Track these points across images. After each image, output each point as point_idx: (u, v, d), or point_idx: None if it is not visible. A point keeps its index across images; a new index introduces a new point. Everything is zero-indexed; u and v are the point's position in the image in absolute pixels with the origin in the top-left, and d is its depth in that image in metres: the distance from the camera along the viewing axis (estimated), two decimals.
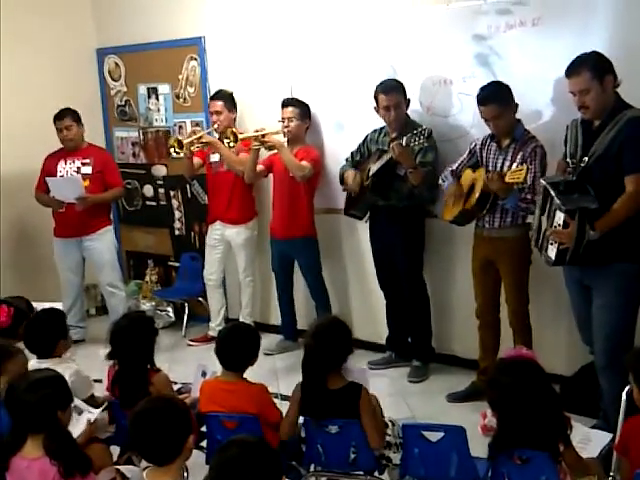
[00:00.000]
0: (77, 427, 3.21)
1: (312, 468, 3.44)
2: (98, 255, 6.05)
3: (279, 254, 5.68)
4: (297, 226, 5.50)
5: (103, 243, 6.04)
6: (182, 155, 5.60)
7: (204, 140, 5.59)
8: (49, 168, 5.91)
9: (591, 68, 3.67)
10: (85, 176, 5.83)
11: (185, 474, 2.87)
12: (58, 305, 4.11)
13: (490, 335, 4.72)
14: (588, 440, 3.15)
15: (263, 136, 5.34)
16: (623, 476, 2.93)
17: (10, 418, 2.88)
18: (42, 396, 2.81)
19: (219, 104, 5.67)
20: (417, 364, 5.23)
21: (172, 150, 5.58)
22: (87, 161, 5.88)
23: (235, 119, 5.77)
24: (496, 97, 4.29)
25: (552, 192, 3.71)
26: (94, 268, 6.16)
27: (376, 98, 4.89)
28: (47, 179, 5.81)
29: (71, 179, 5.80)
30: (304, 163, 5.32)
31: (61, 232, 6.00)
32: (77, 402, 3.15)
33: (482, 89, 4.35)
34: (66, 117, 5.79)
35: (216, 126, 5.67)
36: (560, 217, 3.65)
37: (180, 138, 5.62)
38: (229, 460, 2.21)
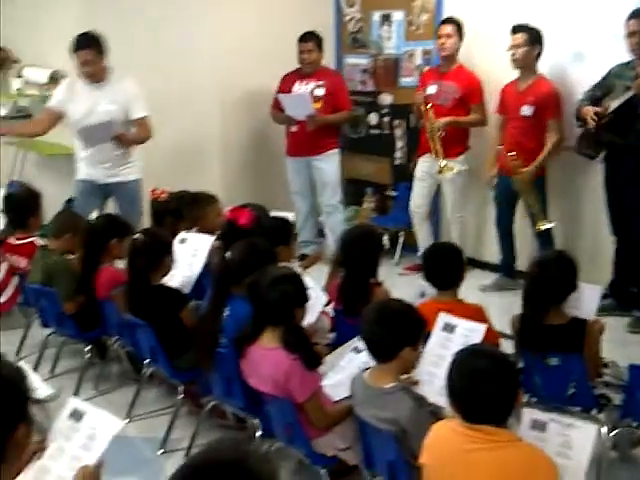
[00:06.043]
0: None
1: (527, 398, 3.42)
2: (324, 175, 6.25)
3: (504, 190, 5.53)
4: (525, 163, 5.32)
5: (330, 164, 6.23)
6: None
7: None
8: (285, 87, 6.14)
9: None
10: (318, 98, 6.01)
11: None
12: (290, 215, 4.32)
13: None
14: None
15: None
16: None
17: (252, 310, 3.08)
18: (283, 292, 2.99)
19: (449, 28, 5.61)
20: (639, 315, 5.00)
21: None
22: (321, 83, 6.06)
23: (458, 49, 5.68)
24: None
25: None
26: (318, 188, 6.38)
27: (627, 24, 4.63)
28: (279, 95, 6.06)
29: (300, 95, 5.99)
30: (553, 136, 5.20)
31: (292, 151, 6.27)
32: None
33: None
34: (310, 41, 5.99)
35: (445, 49, 5.61)
36: None
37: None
38: (480, 370, 2.25)
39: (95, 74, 5.17)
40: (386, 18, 6.52)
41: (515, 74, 5.37)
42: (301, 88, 6.08)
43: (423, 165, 5.92)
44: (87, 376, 4.38)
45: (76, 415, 2.38)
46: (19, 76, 6.66)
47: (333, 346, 3.63)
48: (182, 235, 4.39)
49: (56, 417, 2.43)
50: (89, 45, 5.08)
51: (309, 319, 3.40)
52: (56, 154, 6.43)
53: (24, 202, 5.02)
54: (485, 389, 2.22)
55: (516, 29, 5.24)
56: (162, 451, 3.75)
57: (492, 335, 3.47)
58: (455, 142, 5.72)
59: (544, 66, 5.31)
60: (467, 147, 5.82)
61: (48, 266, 4.36)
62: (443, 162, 5.59)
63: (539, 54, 5.27)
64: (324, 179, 6.27)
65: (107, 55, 5.18)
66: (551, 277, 3.26)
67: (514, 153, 5.20)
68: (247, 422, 3.51)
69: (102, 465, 2.26)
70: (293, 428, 3.00)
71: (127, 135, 5.24)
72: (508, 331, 3.58)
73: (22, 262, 4.78)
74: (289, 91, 6.10)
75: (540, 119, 5.24)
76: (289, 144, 6.29)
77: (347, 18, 6.86)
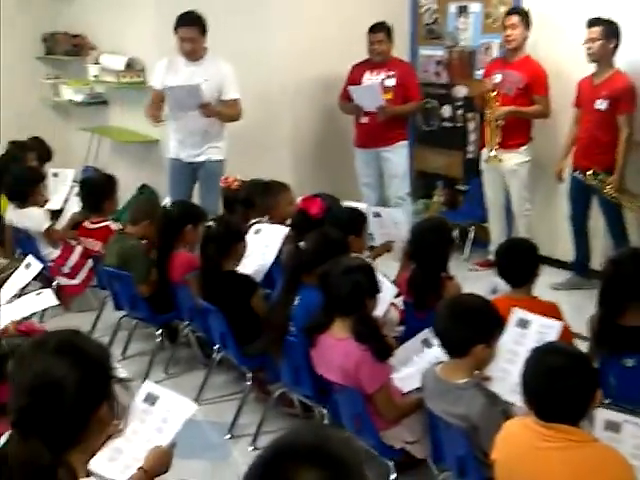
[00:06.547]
0: None
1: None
2: (392, 167, 6.22)
3: (579, 186, 5.41)
4: (598, 159, 5.20)
5: (398, 156, 6.20)
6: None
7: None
8: (354, 78, 6.14)
9: None
10: (388, 89, 5.99)
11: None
12: (362, 206, 4.31)
13: None
14: None
15: None
16: None
17: (323, 299, 3.09)
18: (354, 282, 2.98)
19: (515, 18, 5.51)
20: None
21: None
22: (391, 74, 6.03)
23: (525, 38, 5.55)
24: None
25: None
26: (386, 179, 6.33)
27: None
28: (350, 87, 6.05)
29: (370, 87, 5.97)
30: (623, 132, 5.04)
31: (361, 142, 6.25)
32: None
33: None
34: (379, 32, 5.97)
35: (511, 40, 5.50)
36: None
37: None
38: (557, 368, 2.22)
39: (194, 52, 5.30)
40: (463, 10, 6.42)
41: (587, 66, 5.23)
42: (371, 78, 6.06)
43: (485, 157, 5.84)
44: (157, 359, 4.46)
45: (150, 399, 2.42)
46: (96, 63, 6.80)
47: (402, 339, 3.61)
48: (257, 226, 4.42)
49: (129, 399, 2.47)
50: (193, 23, 5.20)
51: (378, 311, 3.38)
52: (131, 141, 6.55)
53: (100, 186, 5.12)
54: (561, 387, 2.18)
55: (592, 22, 5.13)
56: (229, 436, 3.81)
57: (567, 334, 3.40)
58: (517, 133, 5.62)
59: (622, 60, 5.16)
60: (530, 138, 5.71)
61: (124, 250, 4.45)
62: (493, 152, 5.55)
63: (616, 48, 5.13)
64: (392, 171, 6.24)
65: (206, 36, 5.28)
66: (627, 276, 3.18)
67: (591, 172, 5.11)
68: (314, 411, 3.52)
69: (174, 446, 2.30)
70: (361, 419, 2.99)
71: (214, 106, 5.31)
72: (579, 330, 3.51)
73: (96, 245, 4.89)
74: (359, 81, 6.08)
75: (614, 113, 5.12)
76: (358, 135, 6.27)
77: (423, 9, 6.80)
